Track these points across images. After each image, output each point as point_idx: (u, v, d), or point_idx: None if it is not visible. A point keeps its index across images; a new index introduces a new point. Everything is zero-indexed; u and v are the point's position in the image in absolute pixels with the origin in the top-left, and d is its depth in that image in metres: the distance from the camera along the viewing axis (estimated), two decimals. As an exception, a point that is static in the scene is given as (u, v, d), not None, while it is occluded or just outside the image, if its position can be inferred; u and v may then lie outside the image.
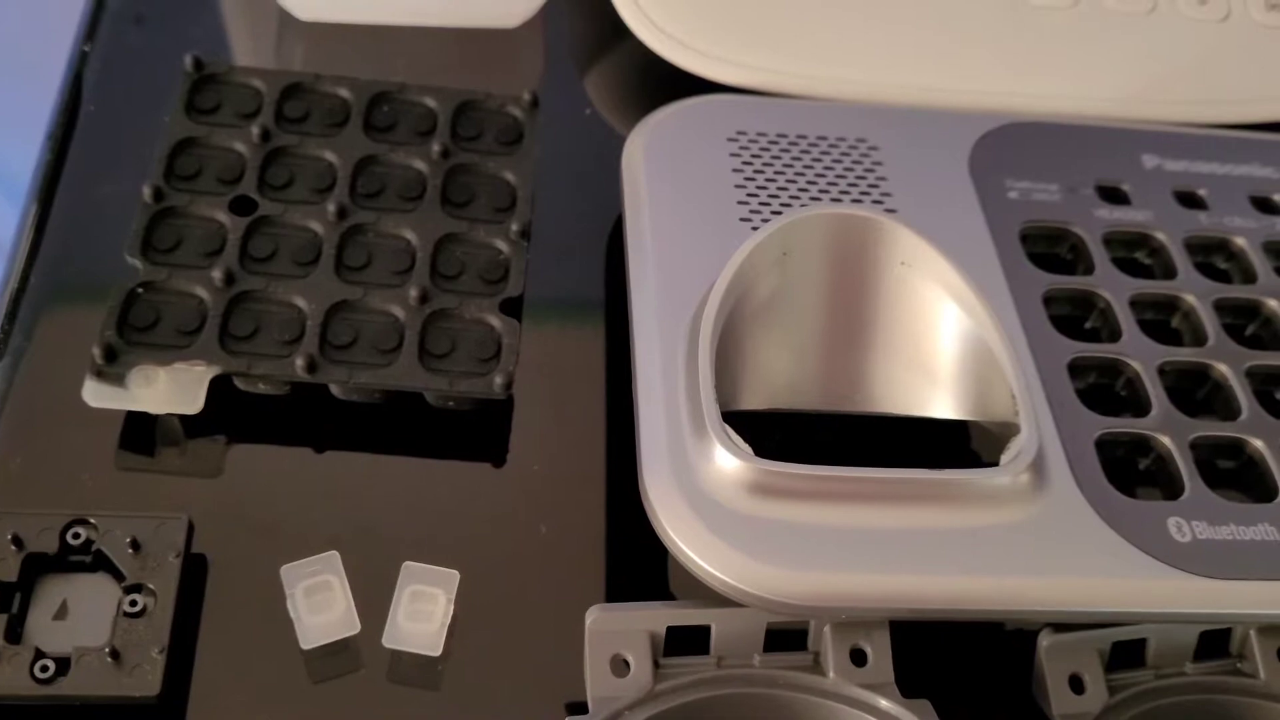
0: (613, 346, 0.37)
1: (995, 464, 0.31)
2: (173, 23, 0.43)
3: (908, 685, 0.30)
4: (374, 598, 0.31)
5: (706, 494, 0.29)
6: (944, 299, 0.33)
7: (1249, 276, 0.37)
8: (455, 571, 0.31)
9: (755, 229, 0.34)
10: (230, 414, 0.34)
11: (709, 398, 0.30)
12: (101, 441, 0.34)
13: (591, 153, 0.41)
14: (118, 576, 0.30)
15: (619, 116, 0.42)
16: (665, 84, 0.40)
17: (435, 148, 0.37)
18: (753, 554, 0.29)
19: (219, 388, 0.33)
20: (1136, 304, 0.36)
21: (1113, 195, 0.38)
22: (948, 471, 0.30)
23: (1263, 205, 0.39)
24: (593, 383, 0.36)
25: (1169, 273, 0.37)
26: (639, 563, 0.33)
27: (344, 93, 0.38)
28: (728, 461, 0.29)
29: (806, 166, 0.37)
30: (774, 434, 0.32)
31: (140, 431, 0.34)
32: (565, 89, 0.43)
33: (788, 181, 0.36)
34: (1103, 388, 0.35)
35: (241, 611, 0.31)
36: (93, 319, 0.34)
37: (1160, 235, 0.37)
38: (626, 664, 0.29)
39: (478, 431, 0.35)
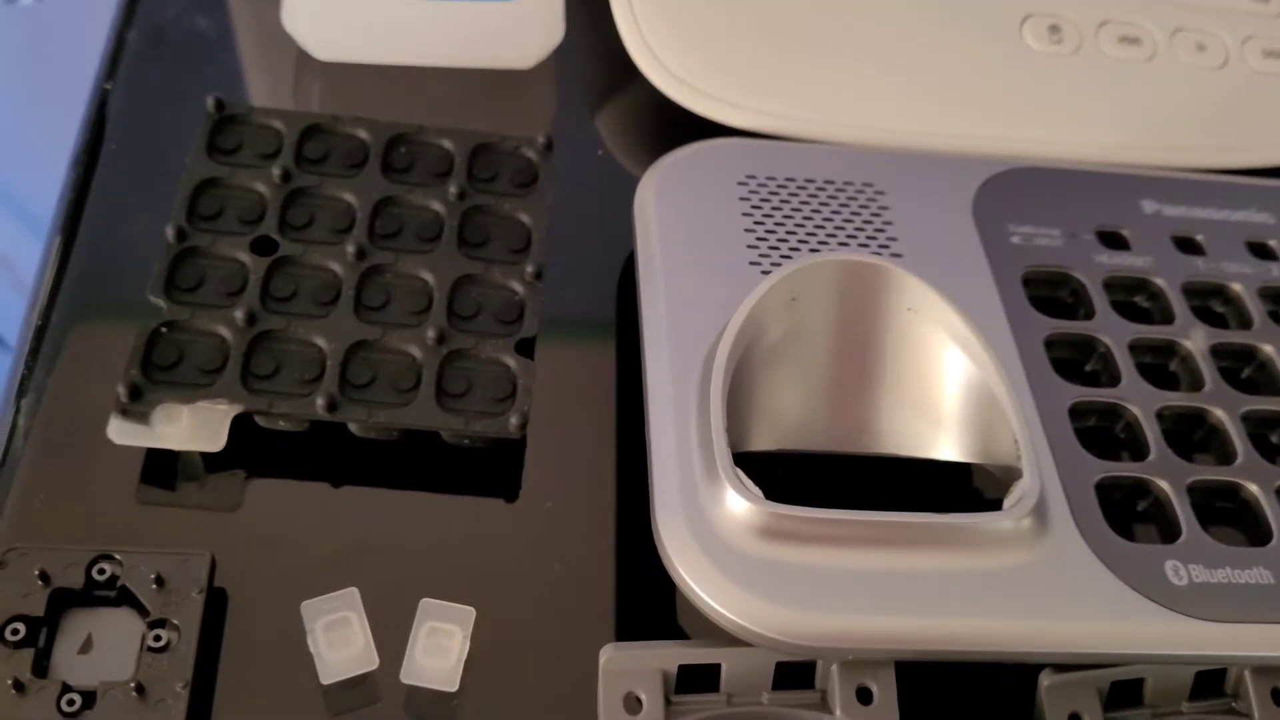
0: (623, 385, 0.38)
1: (997, 504, 0.32)
2: (193, 61, 0.44)
3: (912, 723, 0.30)
4: (391, 633, 0.32)
5: (718, 536, 0.30)
6: (949, 344, 0.34)
7: (1245, 322, 0.38)
8: (471, 609, 0.32)
9: (765, 273, 0.35)
10: (250, 450, 0.35)
11: (721, 442, 0.31)
12: (124, 476, 0.34)
13: (603, 193, 0.42)
14: (142, 611, 0.31)
15: (631, 158, 0.43)
16: (676, 126, 0.41)
17: (452, 189, 0.38)
18: (762, 595, 0.30)
19: (239, 424, 0.34)
20: (1136, 348, 0.36)
21: (1113, 240, 0.39)
22: (951, 516, 0.31)
23: (1259, 251, 0.40)
24: (603, 421, 0.37)
25: (1167, 317, 0.38)
26: (649, 599, 0.34)
27: (363, 134, 0.39)
28: (739, 505, 0.30)
29: (814, 211, 0.38)
30: (782, 474, 0.33)
31: (162, 467, 0.35)
32: (578, 130, 0.44)
33: (796, 225, 0.37)
34: (1102, 430, 0.36)
35: (261, 645, 0.32)
36: (113, 355, 0.34)
37: (1159, 281, 0.38)
38: (639, 701, 0.30)
39: (492, 468, 0.36)
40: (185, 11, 0.45)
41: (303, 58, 0.43)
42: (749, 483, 0.31)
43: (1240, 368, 0.38)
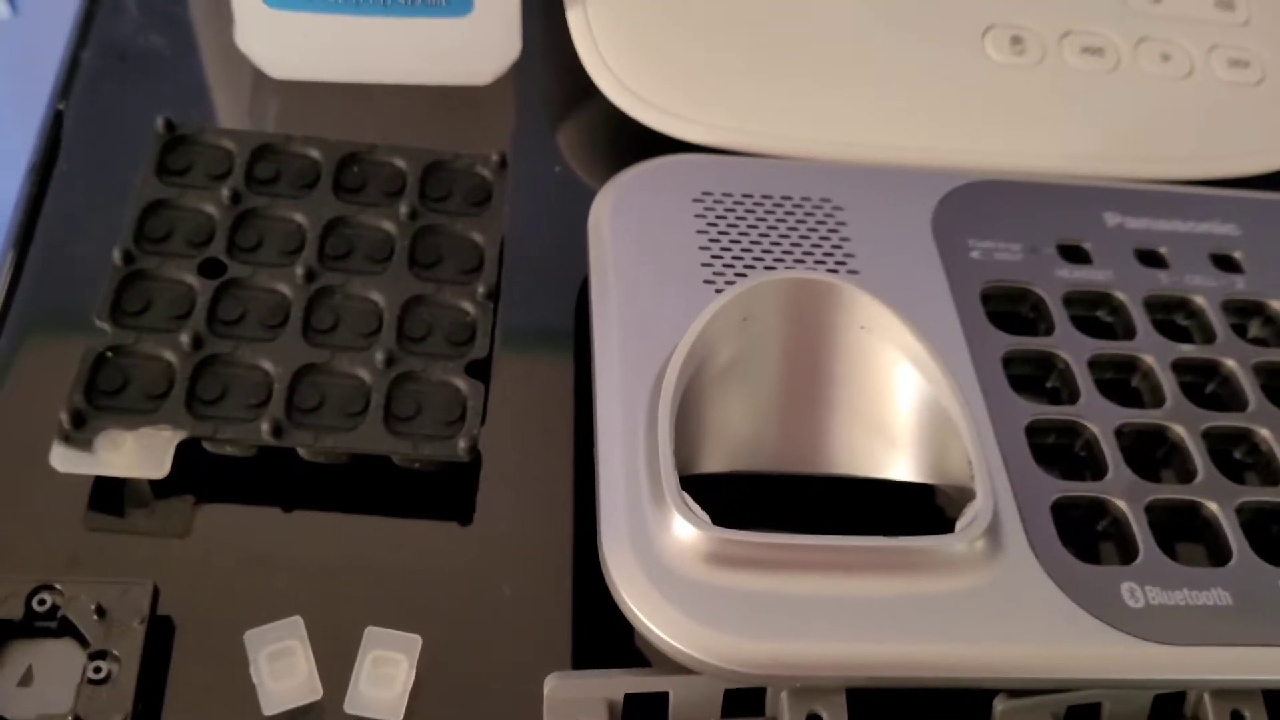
0: (580, 406, 0.37)
1: (953, 525, 0.31)
2: (149, 81, 0.43)
3: (864, 751, 0.30)
4: (338, 662, 0.31)
5: (664, 562, 0.30)
6: (903, 362, 0.34)
7: (1208, 335, 0.37)
8: (417, 636, 0.31)
9: (719, 291, 0.35)
10: (199, 476, 0.34)
11: (668, 465, 0.31)
12: (70, 503, 0.34)
13: (562, 210, 0.41)
14: (83, 642, 0.31)
15: (590, 174, 0.43)
16: (635, 142, 0.40)
17: (403, 209, 0.38)
18: (708, 622, 0.29)
19: (189, 449, 0.33)
20: (1096, 364, 0.36)
21: (1074, 254, 0.39)
22: (902, 539, 0.30)
23: (1223, 263, 0.39)
24: (561, 443, 0.37)
25: (1129, 332, 0.37)
26: (603, 626, 0.33)
27: (314, 153, 0.39)
28: (685, 530, 0.30)
29: (770, 228, 0.37)
30: (735, 496, 0.32)
31: (109, 493, 0.34)
32: (536, 146, 0.43)
33: (752, 243, 0.37)
34: (1062, 449, 0.35)
35: (206, 676, 0.32)
36: (61, 380, 0.34)
37: (1120, 295, 0.38)
38: (585, 731, 0.30)
39: (445, 493, 0.35)
40: (141, 30, 0.44)
41: (258, 77, 0.43)
42: (695, 507, 0.30)
43: (1203, 383, 0.37)
